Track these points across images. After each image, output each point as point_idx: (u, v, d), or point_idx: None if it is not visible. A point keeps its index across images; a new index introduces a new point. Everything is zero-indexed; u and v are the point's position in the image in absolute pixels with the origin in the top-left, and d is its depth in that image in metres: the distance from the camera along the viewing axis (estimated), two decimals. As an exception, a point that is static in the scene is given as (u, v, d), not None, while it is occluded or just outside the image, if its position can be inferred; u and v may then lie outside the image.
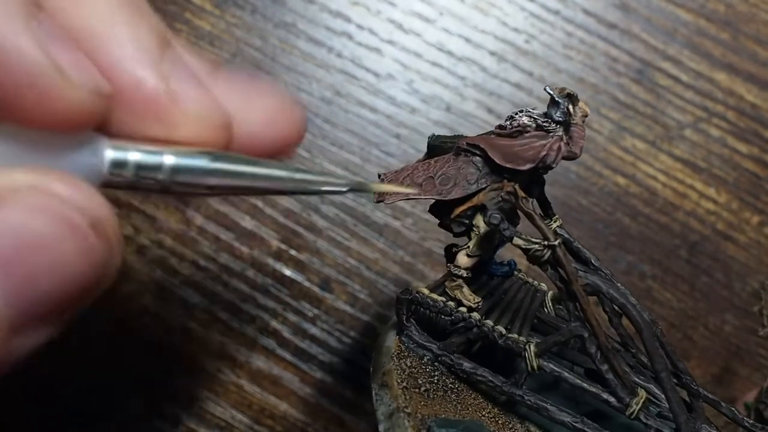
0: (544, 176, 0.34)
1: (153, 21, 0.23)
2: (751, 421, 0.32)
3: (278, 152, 0.28)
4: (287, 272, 0.52)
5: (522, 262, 0.44)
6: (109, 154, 0.21)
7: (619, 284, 0.32)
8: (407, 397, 0.27)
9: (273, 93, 0.28)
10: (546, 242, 0.29)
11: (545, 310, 0.38)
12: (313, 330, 0.51)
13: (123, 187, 0.22)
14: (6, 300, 0.18)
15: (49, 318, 0.19)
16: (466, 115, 0.55)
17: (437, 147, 0.34)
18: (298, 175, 0.25)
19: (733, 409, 0.32)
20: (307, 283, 0.52)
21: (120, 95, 0.22)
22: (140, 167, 0.21)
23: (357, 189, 0.28)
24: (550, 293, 0.39)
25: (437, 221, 0.34)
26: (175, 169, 0.22)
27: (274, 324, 0.51)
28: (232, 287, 0.51)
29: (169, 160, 0.22)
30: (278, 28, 0.55)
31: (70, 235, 0.19)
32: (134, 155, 0.21)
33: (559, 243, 0.29)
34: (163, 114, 0.22)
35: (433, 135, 0.35)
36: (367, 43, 0.56)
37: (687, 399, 0.33)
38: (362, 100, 0.55)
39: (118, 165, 0.21)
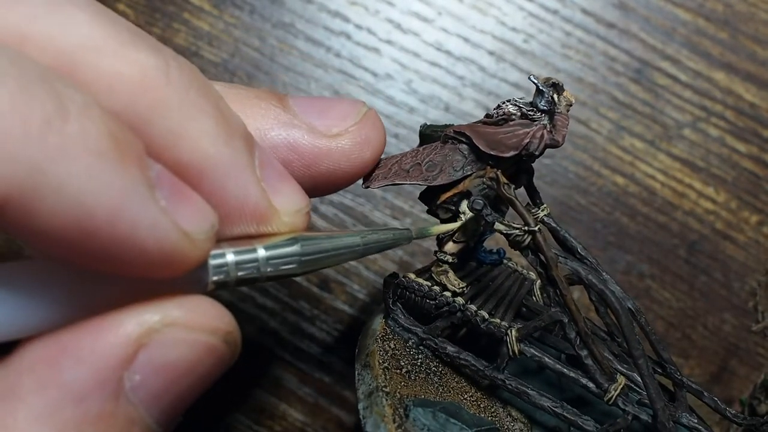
0: (533, 165, 0.34)
1: (239, 125, 0.23)
2: (734, 411, 0.32)
3: (370, 165, 0.29)
4: (286, 271, 0.52)
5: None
6: (211, 261, 0.21)
7: (604, 273, 0.32)
8: (387, 377, 0.27)
9: (354, 110, 0.30)
10: (526, 227, 0.29)
11: (533, 298, 0.38)
12: (312, 330, 0.51)
13: (224, 287, 0.22)
14: (158, 423, 0.20)
15: (182, 412, 0.21)
16: (465, 115, 0.55)
17: (428, 136, 0.35)
18: (371, 236, 0.26)
19: (716, 399, 0.32)
20: (305, 283, 0.52)
21: (226, 215, 0.22)
22: (239, 267, 0.22)
23: (420, 236, 0.29)
24: (538, 282, 0.39)
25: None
26: (270, 260, 0.22)
27: (273, 324, 0.51)
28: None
29: (262, 253, 0.22)
30: (277, 28, 0.56)
31: (208, 355, 0.20)
32: (231, 257, 0.21)
33: (538, 228, 0.29)
34: (261, 218, 0.23)
35: (425, 124, 0.35)
36: (365, 43, 0.56)
37: (671, 389, 0.33)
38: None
39: (219, 268, 0.21)
